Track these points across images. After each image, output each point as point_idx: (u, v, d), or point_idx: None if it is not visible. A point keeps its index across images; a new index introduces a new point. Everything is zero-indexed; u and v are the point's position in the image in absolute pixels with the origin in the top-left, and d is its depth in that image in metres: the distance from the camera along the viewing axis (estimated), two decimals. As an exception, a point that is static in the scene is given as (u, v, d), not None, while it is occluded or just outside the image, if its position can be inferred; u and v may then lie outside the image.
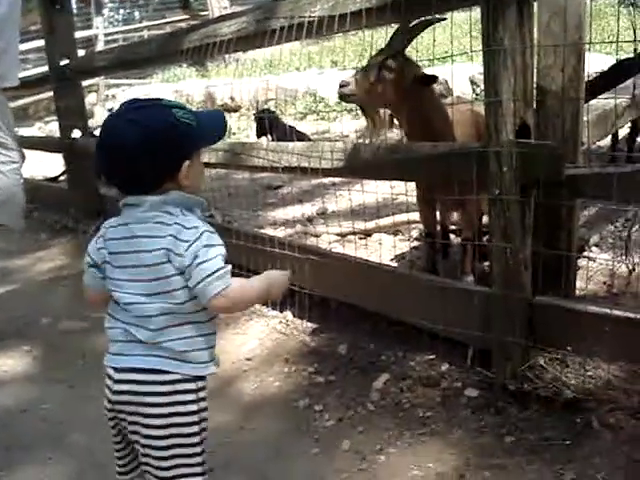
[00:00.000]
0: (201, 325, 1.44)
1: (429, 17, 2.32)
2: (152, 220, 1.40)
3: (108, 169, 1.46)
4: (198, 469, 1.45)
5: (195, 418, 1.43)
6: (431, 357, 2.38)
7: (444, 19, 2.38)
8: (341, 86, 2.41)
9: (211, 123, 1.55)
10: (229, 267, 1.40)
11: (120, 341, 1.44)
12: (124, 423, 1.45)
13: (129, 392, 1.41)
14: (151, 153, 1.38)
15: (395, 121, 2.64)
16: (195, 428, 1.43)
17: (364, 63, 2.49)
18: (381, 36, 2.76)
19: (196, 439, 1.44)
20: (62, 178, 6.05)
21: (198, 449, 1.44)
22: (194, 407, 1.43)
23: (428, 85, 2.51)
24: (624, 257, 2.63)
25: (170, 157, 1.41)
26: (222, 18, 3.21)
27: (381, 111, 2.61)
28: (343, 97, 2.46)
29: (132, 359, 1.42)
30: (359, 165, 2.48)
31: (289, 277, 1.61)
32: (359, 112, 8.45)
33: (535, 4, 2.02)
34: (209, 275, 1.36)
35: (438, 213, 2.94)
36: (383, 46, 2.46)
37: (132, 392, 1.41)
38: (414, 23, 2.35)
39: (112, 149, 1.41)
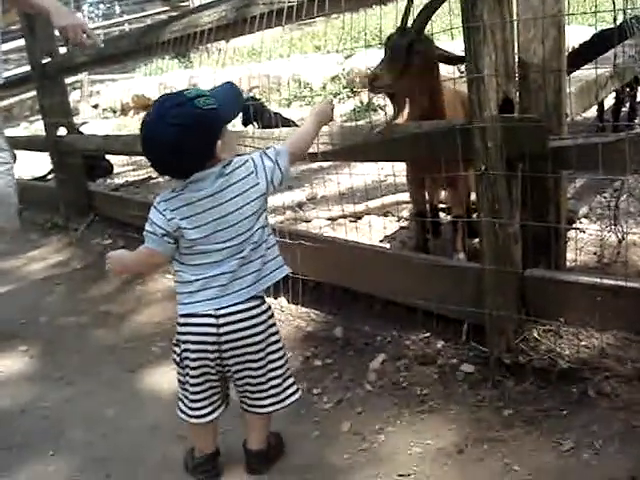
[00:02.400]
0: None
1: None
2: (226, 181, 1.70)
3: (160, 166, 1.73)
4: None
5: None
6: (426, 335, 2.39)
7: None
8: (372, 80, 2.28)
9: (228, 98, 1.78)
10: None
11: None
12: (228, 354, 1.75)
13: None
14: (190, 146, 1.64)
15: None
16: None
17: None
18: (361, 19, 2.75)
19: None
20: (50, 177, 6.04)
21: None
22: None
23: (456, 64, 2.49)
24: (613, 227, 2.64)
25: (205, 143, 1.67)
26: (202, 7, 3.19)
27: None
28: (375, 90, 2.35)
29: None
30: (345, 148, 2.48)
31: (330, 103, 2.03)
32: (344, 96, 8.44)
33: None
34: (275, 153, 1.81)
35: (427, 192, 2.94)
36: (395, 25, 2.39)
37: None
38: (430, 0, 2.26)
39: (158, 151, 1.68)
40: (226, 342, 1.73)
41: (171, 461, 2.02)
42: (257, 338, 1.76)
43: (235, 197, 1.71)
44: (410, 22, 2.30)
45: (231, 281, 1.72)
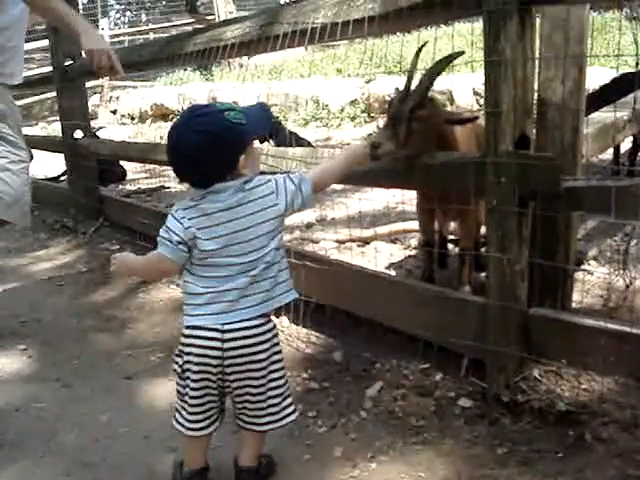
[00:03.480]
0: None
1: (450, 54, 2.23)
2: (245, 197, 1.72)
3: (180, 171, 1.75)
4: None
5: None
6: (425, 366, 2.37)
7: (463, 53, 2.25)
8: (374, 147, 2.19)
9: (258, 118, 1.82)
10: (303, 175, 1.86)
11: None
12: (230, 370, 1.74)
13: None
14: (213, 156, 1.68)
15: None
16: None
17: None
18: (384, 46, 2.76)
19: None
20: (63, 178, 6.06)
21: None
22: None
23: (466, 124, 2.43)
24: (621, 271, 2.63)
25: (228, 156, 1.70)
26: (226, 22, 3.22)
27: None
28: (377, 157, 2.22)
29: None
30: (358, 173, 2.48)
31: (367, 148, 2.09)
32: (362, 120, 8.47)
33: (537, 16, 2.02)
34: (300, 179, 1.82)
35: (437, 222, 2.93)
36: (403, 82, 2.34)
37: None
38: (436, 62, 2.23)
39: (181, 155, 1.71)
40: (230, 357, 1.73)
41: (160, 472, 2.01)
42: (260, 356, 1.76)
43: (252, 214, 1.72)
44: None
45: (240, 298, 1.72)
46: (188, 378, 1.77)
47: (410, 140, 2.23)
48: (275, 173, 2.04)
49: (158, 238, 1.74)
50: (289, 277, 1.83)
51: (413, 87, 2.28)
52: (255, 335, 1.74)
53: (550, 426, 1.97)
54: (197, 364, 1.74)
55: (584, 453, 1.86)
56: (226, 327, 1.71)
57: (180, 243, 1.70)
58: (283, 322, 2.88)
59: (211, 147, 1.67)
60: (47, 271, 4.17)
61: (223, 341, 1.71)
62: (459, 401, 2.18)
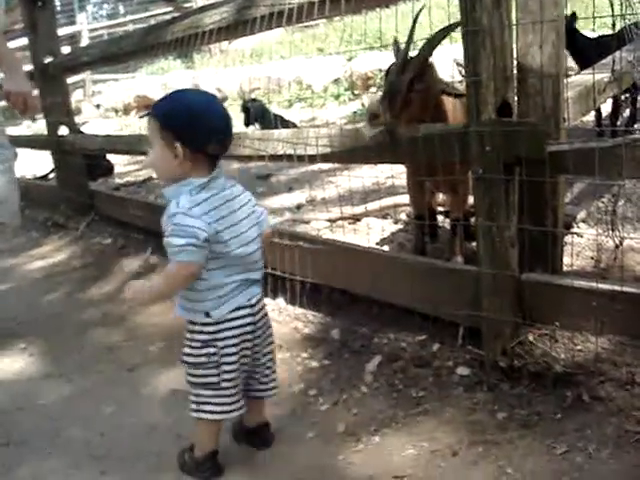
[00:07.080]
0: None
1: (449, 24, 2.19)
2: (233, 192, 1.82)
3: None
4: None
5: None
6: (422, 338, 2.39)
7: (460, 24, 2.27)
8: (371, 119, 2.24)
9: None
10: None
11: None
12: (258, 341, 1.89)
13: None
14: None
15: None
16: None
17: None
18: (363, 22, 2.75)
19: None
20: (52, 176, 6.05)
21: None
22: None
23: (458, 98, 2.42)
24: (610, 232, 2.64)
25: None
26: (204, 9, 3.20)
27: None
28: (375, 127, 2.26)
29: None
30: (345, 151, 2.49)
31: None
32: (346, 99, 8.45)
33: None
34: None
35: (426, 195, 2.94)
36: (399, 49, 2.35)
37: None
38: (436, 32, 2.24)
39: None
40: (259, 328, 1.88)
41: (167, 460, 2.02)
42: (270, 322, 1.94)
43: (242, 206, 1.83)
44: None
45: (255, 280, 1.87)
46: (224, 363, 1.81)
47: (407, 111, 2.25)
48: (263, 157, 2.05)
49: (175, 248, 1.68)
50: None
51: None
52: (264, 304, 1.91)
53: (548, 388, 2.00)
54: (235, 345, 1.81)
55: (583, 413, 1.89)
56: (253, 301, 1.85)
57: (206, 240, 1.69)
58: (280, 303, 2.90)
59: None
60: (42, 269, 4.18)
61: (254, 315, 1.85)
62: (457, 370, 2.21)
